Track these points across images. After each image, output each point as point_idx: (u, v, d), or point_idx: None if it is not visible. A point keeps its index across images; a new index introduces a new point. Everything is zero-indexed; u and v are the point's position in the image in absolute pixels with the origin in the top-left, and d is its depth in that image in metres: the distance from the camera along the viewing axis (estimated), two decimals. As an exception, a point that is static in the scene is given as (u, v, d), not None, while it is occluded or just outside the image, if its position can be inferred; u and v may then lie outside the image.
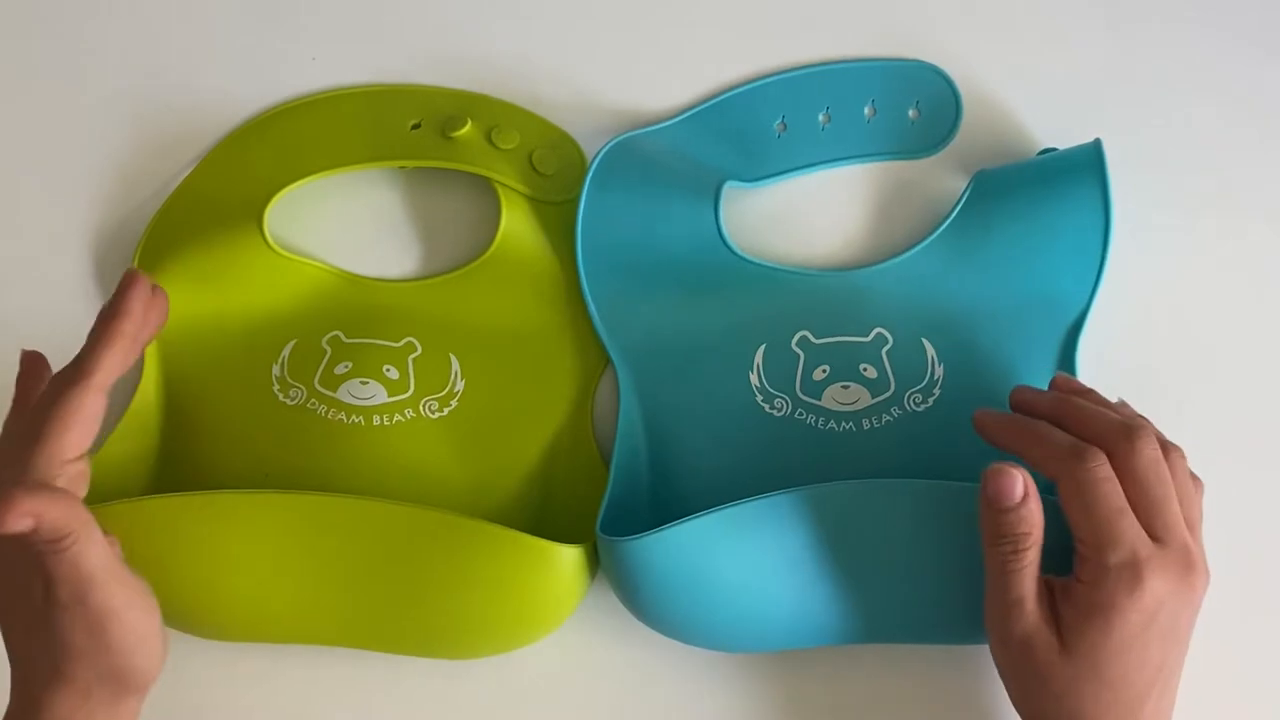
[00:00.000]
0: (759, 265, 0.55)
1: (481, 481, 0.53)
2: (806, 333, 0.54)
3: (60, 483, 0.43)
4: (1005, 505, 0.44)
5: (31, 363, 0.48)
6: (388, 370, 0.54)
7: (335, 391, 0.54)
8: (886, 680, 0.52)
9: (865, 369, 0.53)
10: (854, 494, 0.46)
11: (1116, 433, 0.44)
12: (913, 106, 0.59)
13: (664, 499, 0.52)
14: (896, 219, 0.57)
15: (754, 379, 0.54)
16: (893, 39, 0.59)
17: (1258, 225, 0.57)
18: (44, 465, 0.43)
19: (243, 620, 0.49)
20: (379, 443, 0.53)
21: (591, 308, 0.54)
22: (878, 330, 0.54)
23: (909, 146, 0.58)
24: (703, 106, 0.59)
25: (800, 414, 0.53)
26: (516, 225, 0.56)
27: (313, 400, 0.54)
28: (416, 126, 0.57)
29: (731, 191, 0.56)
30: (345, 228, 0.58)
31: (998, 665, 0.46)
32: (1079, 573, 0.43)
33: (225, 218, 0.55)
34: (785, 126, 0.58)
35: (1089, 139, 0.55)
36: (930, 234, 0.55)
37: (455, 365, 0.55)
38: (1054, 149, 0.56)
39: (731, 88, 0.59)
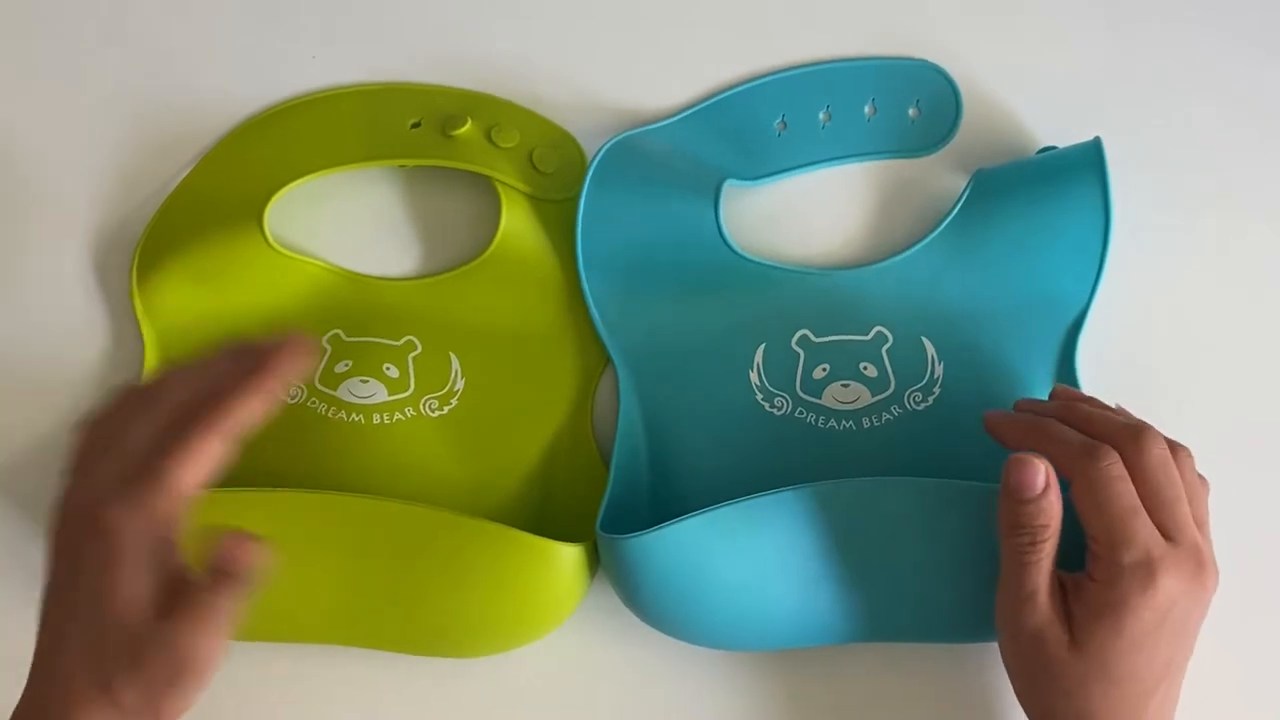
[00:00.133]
0: (759, 264, 0.55)
1: (481, 480, 0.53)
2: (806, 331, 0.54)
3: None
4: (1026, 496, 0.43)
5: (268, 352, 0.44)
6: (388, 369, 0.54)
7: (335, 390, 0.54)
8: (888, 679, 0.52)
9: (865, 368, 0.53)
10: (858, 491, 0.46)
11: (1124, 434, 0.44)
12: (913, 105, 0.59)
13: (664, 498, 0.52)
14: (896, 218, 0.57)
15: (754, 378, 0.53)
16: (893, 38, 0.59)
17: (1258, 225, 0.57)
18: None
19: (242, 619, 0.49)
20: (379, 441, 0.53)
21: (591, 307, 0.54)
22: (878, 329, 0.54)
23: (909, 145, 0.58)
24: (703, 105, 0.58)
25: (800, 413, 0.53)
26: (517, 224, 0.56)
27: (313, 399, 0.54)
28: (416, 125, 0.57)
29: (732, 190, 0.56)
30: (345, 226, 0.57)
31: (1005, 660, 0.46)
32: (1092, 571, 0.43)
33: (225, 217, 0.55)
34: (785, 125, 0.58)
35: (1089, 138, 0.55)
36: (930, 233, 0.55)
37: (455, 364, 0.55)
38: (1053, 147, 0.56)
39: (731, 87, 0.59)
